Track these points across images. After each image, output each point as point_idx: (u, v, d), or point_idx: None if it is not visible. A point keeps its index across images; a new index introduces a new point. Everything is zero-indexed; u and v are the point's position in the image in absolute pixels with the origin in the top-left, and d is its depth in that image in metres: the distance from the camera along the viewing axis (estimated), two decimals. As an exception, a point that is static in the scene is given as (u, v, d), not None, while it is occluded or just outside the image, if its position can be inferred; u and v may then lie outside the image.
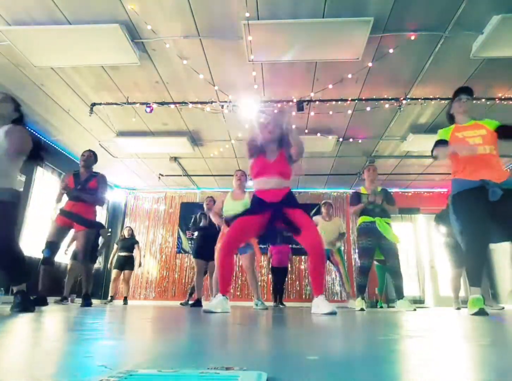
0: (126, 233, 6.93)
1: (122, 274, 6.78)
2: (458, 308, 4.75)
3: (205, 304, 2.45)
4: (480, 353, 0.77)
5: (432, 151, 2.87)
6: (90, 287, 3.89)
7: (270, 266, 6.87)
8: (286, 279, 7.05)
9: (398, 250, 3.99)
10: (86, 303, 3.79)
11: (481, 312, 2.40)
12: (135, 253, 6.88)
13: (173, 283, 8.01)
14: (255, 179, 2.68)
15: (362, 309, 3.73)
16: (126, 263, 6.74)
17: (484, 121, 2.83)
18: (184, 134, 5.67)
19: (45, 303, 3.44)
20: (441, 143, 2.81)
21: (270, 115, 2.83)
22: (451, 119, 2.98)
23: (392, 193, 4.32)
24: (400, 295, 3.83)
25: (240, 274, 7.89)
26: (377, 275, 6.04)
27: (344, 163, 6.79)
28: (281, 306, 6.29)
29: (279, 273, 6.60)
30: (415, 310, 3.65)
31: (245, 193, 4.17)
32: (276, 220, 2.52)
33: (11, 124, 2.47)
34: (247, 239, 2.78)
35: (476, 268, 2.57)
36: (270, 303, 6.32)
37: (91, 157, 3.99)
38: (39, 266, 3.53)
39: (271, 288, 7.12)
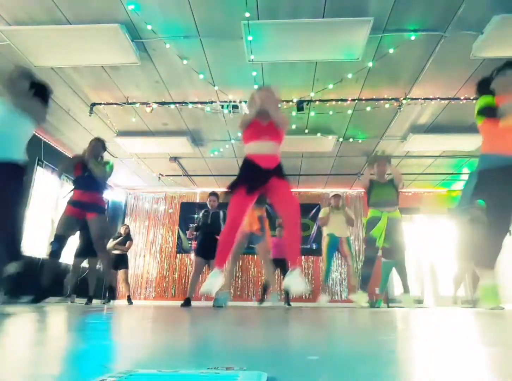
0: (122, 231, 6.87)
1: (118, 274, 6.72)
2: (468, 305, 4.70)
3: (203, 285, 2.39)
4: (483, 353, 0.77)
5: (480, 113, 2.55)
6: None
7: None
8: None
9: (405, 245, 4.07)
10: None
11: (497, 307, 2.35)
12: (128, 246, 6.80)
13: (173, 283, 8.01)
14: (248, 143, 2.67)
15: (366, 306, 3.79)
16: (120, 262, 6.63)
17: None
18: (184, 134, 5.66)
19: (46, 296, 3.32)
20: (488, 109, 2.50)
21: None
22: (484, 90, 2.63)
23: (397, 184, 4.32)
24: (405, 288, 3.93)
25: (240, 274, 7.89)
26: (381, 273, 6.01)
27: (344, 163, 6.78)
28: (287, 306, 5.73)
29: (279, 265, 6.21)
30: (414, 308, 3.67)
31: None
32: (262, 187, 2.53)
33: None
34: (247, 211, 2.71)
35: (494, 252, 2.43)
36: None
37: (98, 146, 3.93)
38: (39, 264, 3.43)
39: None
